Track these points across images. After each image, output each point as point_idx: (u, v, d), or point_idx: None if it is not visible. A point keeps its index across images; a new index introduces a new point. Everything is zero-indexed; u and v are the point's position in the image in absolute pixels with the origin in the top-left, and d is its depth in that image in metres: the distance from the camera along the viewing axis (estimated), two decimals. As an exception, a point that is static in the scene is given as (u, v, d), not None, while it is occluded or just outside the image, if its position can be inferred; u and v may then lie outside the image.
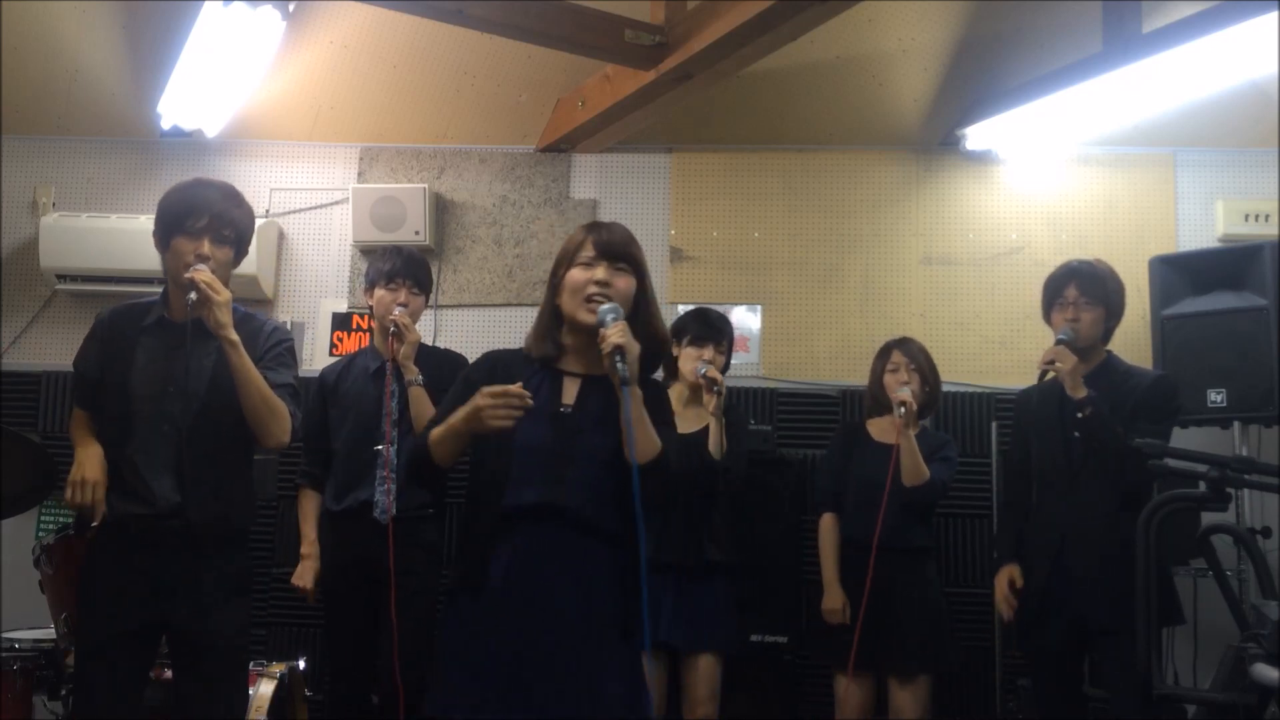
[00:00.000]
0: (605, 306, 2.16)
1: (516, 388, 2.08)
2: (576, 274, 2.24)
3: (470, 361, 3.60)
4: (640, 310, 2.27)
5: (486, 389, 2.09)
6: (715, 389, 3.34)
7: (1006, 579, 3.28)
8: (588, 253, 2.24)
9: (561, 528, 2.14)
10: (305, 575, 3.49)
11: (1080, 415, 3.06)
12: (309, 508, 3.56)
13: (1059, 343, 3.15)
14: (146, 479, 2.62)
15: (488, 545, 2.18)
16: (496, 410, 2.07)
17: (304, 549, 3.53)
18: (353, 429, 3.48)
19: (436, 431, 2.20)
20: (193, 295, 2.56)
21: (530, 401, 2.09)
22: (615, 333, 2.10)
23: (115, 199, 4.59)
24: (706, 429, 3.38)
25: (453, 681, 2.14)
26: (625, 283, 2.24)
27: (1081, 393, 3.06)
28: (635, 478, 2.05)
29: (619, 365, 2.07)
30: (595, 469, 2.16)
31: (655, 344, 2.29)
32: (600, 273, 2.21)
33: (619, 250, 2.24)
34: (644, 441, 2.12)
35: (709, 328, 3.50)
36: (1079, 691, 3.26)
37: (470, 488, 2.29)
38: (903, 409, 3.39)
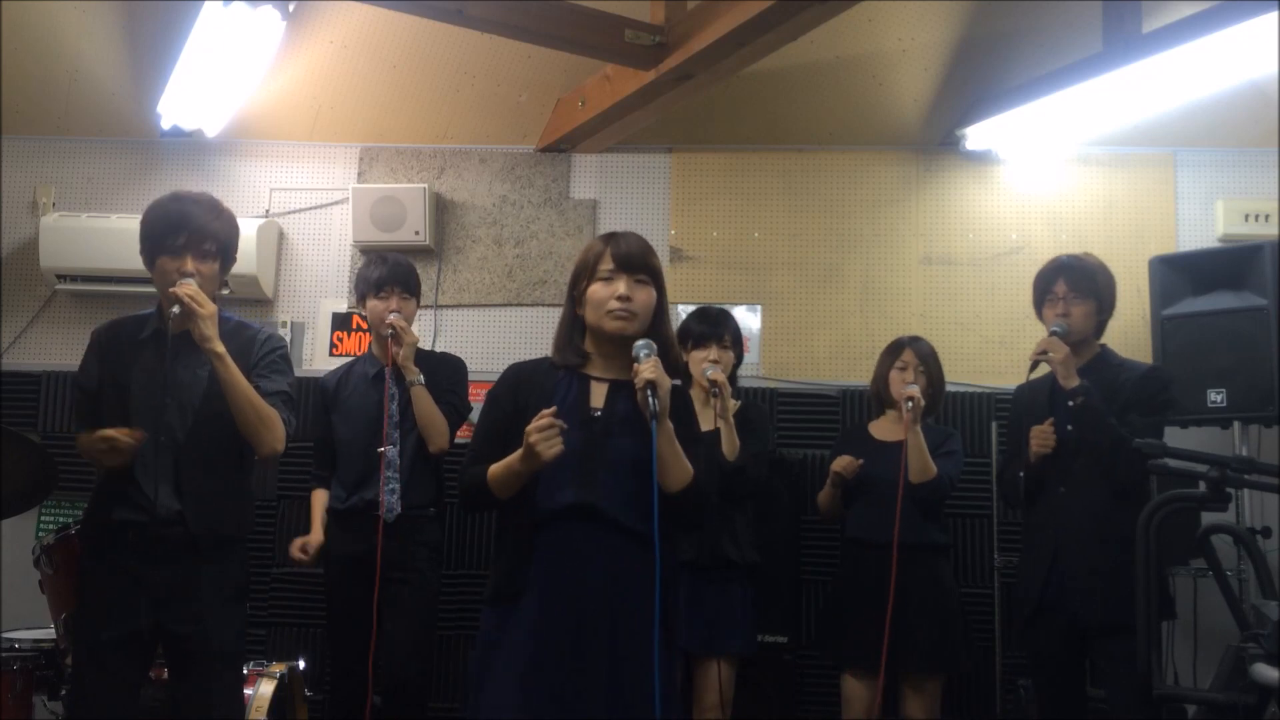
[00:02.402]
0: (640, 342, 2.21)
1: (547, 417, 2.12)
2: (598, 289, 2.27)
3: (465, 364, 3.68)
4: (657, 320, 2.31)
5: (530, 427, 2.12)
6: (715, 392, 3.33)
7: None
8: (607, 265, 2.27)
9: (597, 527, 2.18)
10: (307, 543, 3.53)
11: (1071, 404, 3.06)
12: (319, 503, 3.61)
13: (1051, 334, 3.15)
14: (146, 489, 2.63)
15: (525, 550, 2.22)
16: (545, 442, 2.11)
17: (313, 528, 3.57)
18: (355, 433, 3.53)
19: (496, 471, 2.22)
20: (175, 309, 2.58)
21: (563, 424, 2.14)
22: (648, 369, 2.14)
23: (115, 199, 4.59)
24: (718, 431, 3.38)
25: (502, 685, 2.17)
26: (646, 295, 2.28)
27: (1074, 382, 3.06)
28: (655, 515, 2.09)
29: (650, 400, 2.11)
30: (625, 472, 2.19)
31: (675, 353, 2.34)
32: (621, 287, 2.25)
33: (638, 262, 2.27)
34: (676, 471, 2.19)
35: (709, 325, 3.50)
36: (1080, 691, 3.25)
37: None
38: (910, 404, 3.39)
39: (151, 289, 2.81)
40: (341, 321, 4.57)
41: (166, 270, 2.66)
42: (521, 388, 2.31)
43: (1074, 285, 3.19)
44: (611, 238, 2.31)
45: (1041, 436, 3.14)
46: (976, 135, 4.29)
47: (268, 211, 4.60)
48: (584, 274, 2.31)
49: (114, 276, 4.31)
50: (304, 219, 4.65)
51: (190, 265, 2.65)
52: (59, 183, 4.66)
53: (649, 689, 2.10)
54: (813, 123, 4.50)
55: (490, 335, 4.54)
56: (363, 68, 4.32)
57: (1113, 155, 4.49)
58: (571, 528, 2.20)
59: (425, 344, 4.29)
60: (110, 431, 2.56)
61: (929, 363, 3.56)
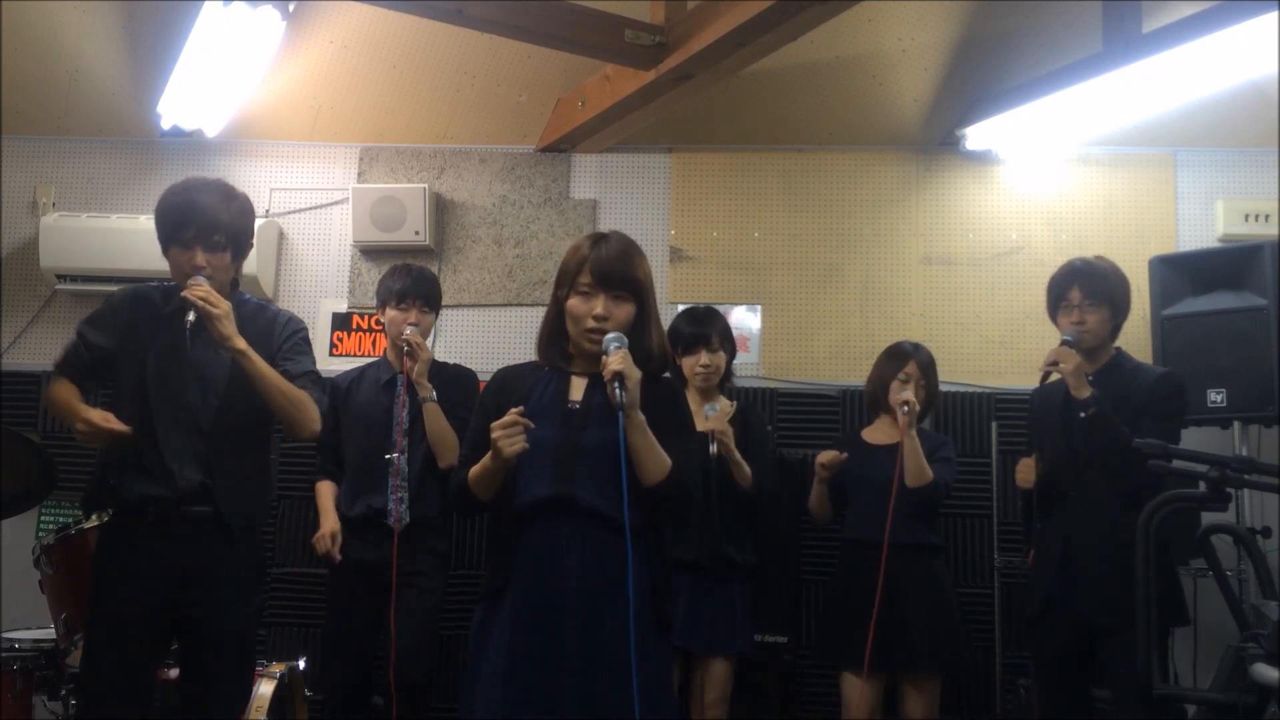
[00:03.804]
0: (610, 335, 2.21)
1: (512, 414, 2.15)
2: (576, 304, 2.27)
3: (477, 376, 3.69)
4: (640, 329, 2.30)
5: (493, 424, 2.16)
6: (715, 439, 3.32)
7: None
8: (585, 280, 2.26)
9: (575, 519, 2.18)
10: (325, 534, 3.47)
11: (1083, 415, 3.05)
12: (326, 492, 3.59)
13: (1063, 344, 3.15)
14: (167, 465, 2.63)
15: (507, 545, 2.24)
16: (507, 439, 2.13)
17: (323, 518, 3.53)
18: (364, 439, 3.53)
19: (474, 472, 2.25)
20: (191, 316, 2.57)
21: (529, 423, 2.15)
22: (615, 360, 2.14)
23: (115, 199, 4.59)
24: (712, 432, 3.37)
25: (484, 682, 2.18)
26: (625, 312, 2.27)
27: (1085, 393, 3.05)
28: (625, 507, 2.09)
29: (617, 392, 2.11)
30: (603, 462, 2.18)
31: (658, 359, 2.33)
32: (599, 306, 2.25)
33: (616, 279, 2.26)
34: (650, 463, 2.18)
35: (696, 326, 3.49)
36: (1084, 692, 3.25)
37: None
38: (905, 408, 3.39)
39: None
40: (341, 321, 4.57)
41: (179, 263, 2.67)
42: (504, 390, 2.33)
43: (1089, 292, 3.18)
44: (596, 244, 2.30)
45: (1024, 472, 3.22)
46: (976, 135, 4.29)
47: (268, 211, 4.60)
48: (566, 280, 2.30)
49: (114, 276, 4.30)
50: (304, 219, 4.65)
51: (201, 258, 2.64)
52: (59, 183, 4.66)
53: (629, 682, 2.10)
54: (813, 123, 4.50)
55: (490, 335, 4.53)
56: (363, 68, 4.32)
57: (1113, 155, 4.48)
58: (550, 520, 2.20)
59: (426, 345, 4.29)
60: (98, 418, 2.54)
61: (929, 373, 3.57)
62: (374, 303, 3.69)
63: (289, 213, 4.64)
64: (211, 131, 4.40)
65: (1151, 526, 2.46)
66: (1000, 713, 3.93)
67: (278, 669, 3.33)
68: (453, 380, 3.61)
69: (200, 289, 2.58)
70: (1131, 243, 4.36)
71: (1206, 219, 4.43)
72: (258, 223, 4.32)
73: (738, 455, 3.37)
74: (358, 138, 4.64)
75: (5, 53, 4.23)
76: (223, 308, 2.58)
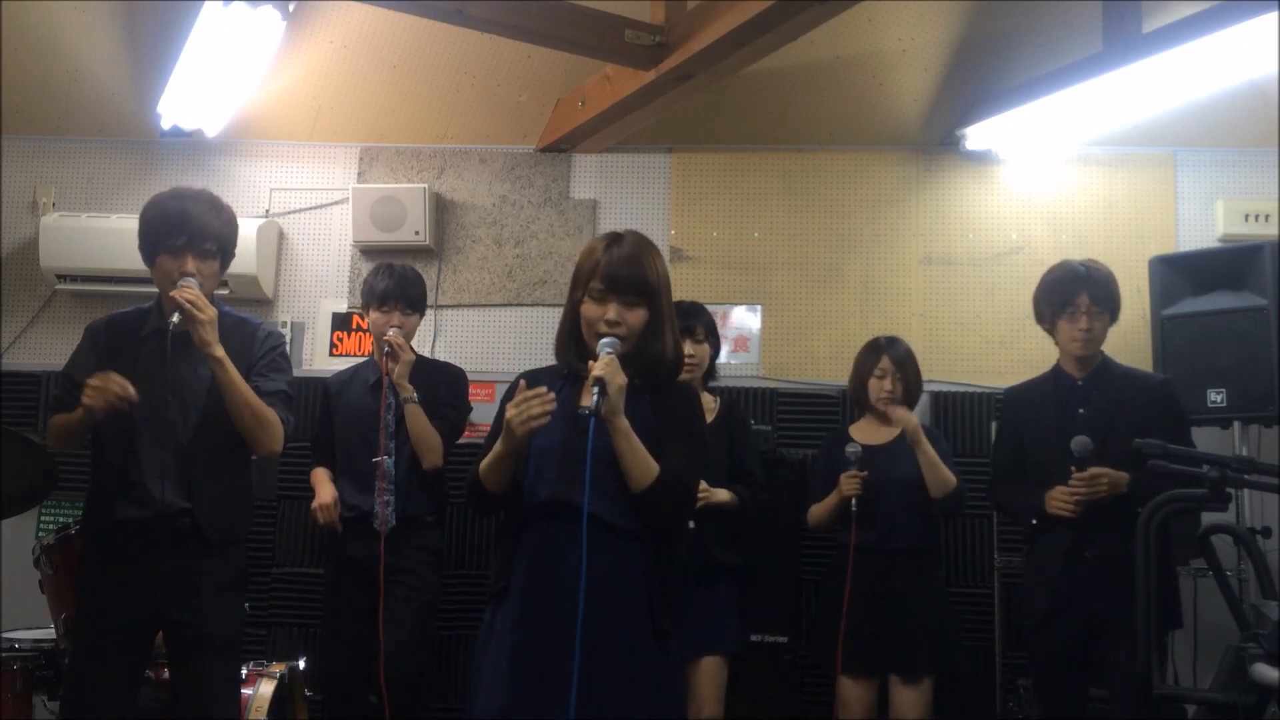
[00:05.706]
0: (604, 340, 2.20)
1: (536, 390, 2.12)
2: (589, 308, 2.26)
3: (465, 374, 3.70)
4: (652, 333, 2.28)
5: (509, 404, 2.14)
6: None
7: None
8: (598, 285, 2.25)
9: (575, 524, 2.16)
10: (326, 503, 3.48)
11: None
12: (322, 472, 3.61)
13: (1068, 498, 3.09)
14: (149, 486, 2.63)
15: (511, 546, 2.24)
16: (523, 415, 2.11)
17: (319, 490, 3.54)
18: (354, 440, 3.55)
19: (485, 462, 2.24)
20: (176, 317, 2.58)
21: (552, 398, 2.13)
22: (599, 366, 2.14)
23: (115, 199, 4.58)
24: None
25: (486, 684, 2.18)
26: (637, 316, 2.26)
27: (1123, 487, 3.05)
28: (585, 507, 2.09)
29: (594, 396, 2.10)
30: (609, 468, 2.17)
31: (671, 363, 2.32)
32: (611, 312, 2.23)
33: (626, 285, 2.24)
34: (636, 469, 2.17)
35: (682, 319, 3.37)
36: (1082, 692, 3.24)
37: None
38: (854, 503, 3.39)
39: (153, 288, 2.81)
40: (341, 321, 4.57)
41: (167, 269, 2.67)
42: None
43: (1097, 299, 3.18)
44: (609, 247, 2.28)
45: (1059, 501, 3.12)
46: (976, 135, 4.29)
47: (268, 211, 4.60)
48: (580, 283, 2.30)
49: (114, 276, 4.31)
50: (304, 219, 4.65)
51: (191, 265, 2.65)
52: (59, 183, 4.66)
53: (628, 683, 2.11)
54: (813, 123, 4.50)
55: (490, 335, 4.53)
56: (363, 68, 4.32)
57: (1113, 155, 4.48)
58: (552, 523, 2.20)
59: (425, 344, 4.29)
60: (107, 379, 2.53)
61: (906, 367, 3.55)
62: (373, 303, 3.69)
63: (289, 213, 4.64)
64: (211, 131, 4.40)
65: (1152, 526, 2.46)
66: (1000, 713, 3.93)
67: (278, 669, 3.33)
68: (440, 376, 3.62)
69: (190, 291, 2.59)
70: (1131, 243, 4.36)
71: (1206, 219, 4.43)
72: (258, 223, 4.37)
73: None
74: (358, 138, 4.64)
75: (5, 53, 4.23)
76: (208, 313, 2.59)
